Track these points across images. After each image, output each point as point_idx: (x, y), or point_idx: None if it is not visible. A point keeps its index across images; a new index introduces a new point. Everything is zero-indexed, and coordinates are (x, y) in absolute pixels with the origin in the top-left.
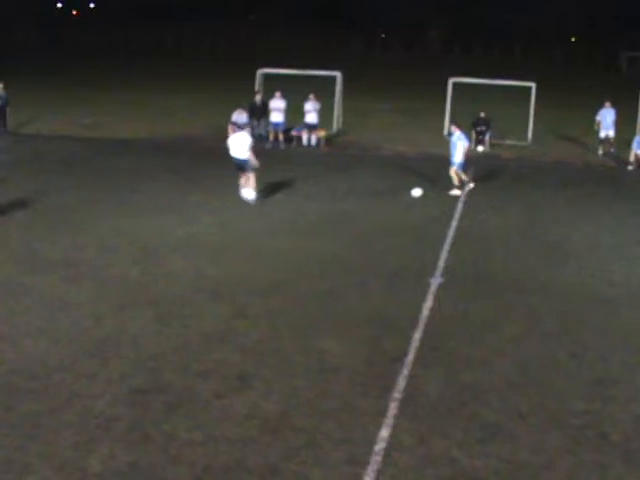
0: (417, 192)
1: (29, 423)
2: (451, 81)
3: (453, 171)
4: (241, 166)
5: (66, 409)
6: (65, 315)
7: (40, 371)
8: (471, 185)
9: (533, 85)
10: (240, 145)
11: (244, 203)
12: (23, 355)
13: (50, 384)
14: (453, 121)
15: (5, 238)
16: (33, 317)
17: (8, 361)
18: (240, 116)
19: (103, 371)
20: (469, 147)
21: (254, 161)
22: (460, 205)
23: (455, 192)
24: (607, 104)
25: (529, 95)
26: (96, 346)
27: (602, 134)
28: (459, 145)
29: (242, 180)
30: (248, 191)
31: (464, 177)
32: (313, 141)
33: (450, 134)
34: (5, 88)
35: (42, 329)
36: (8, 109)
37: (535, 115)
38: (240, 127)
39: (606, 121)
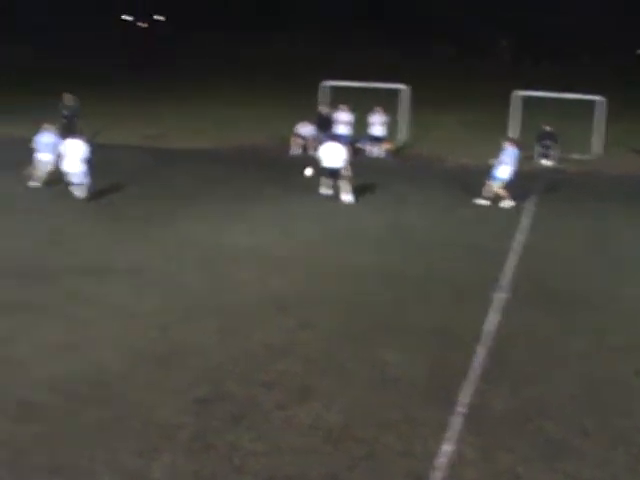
0: (308, 172)
1: (94, 430)
2: (516, 94)
3: (495, 186)
4: (334, 174)
5: (130, 417)
6: (131, 324)
7: (105, 379)
8: (511, 203)
9: (600, 99)
10: (335, 154)
11: (308, 214)
12: (89, 363)
13: (115, 392)
14: (508, 137)
15: (74, 247)
16: (99, 326)
17: (74, 369)
18: (304, 127)
19: (167, 380)
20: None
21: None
22: (525, 219)
23: (507, 203)
24: None
25: (597, 108)
26: (161, 355)
27: None
28: (506, 162)
29: (325, 186)
30: (346, 195)
31: (502, 192)
32: (379, 153)
33: (503, 149)
34: (74, 99)
35: (108, 338)
36: (77, 120)
37: (602, 128)
38: (304, 138)
39: None
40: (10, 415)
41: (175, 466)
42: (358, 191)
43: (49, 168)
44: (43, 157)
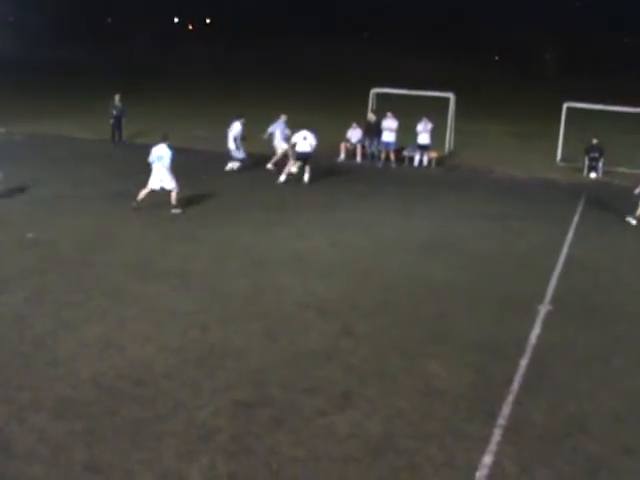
0: (293, 169)
1: (133, 429)
2: (565, 105)
3: None
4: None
5: (170, 417)
6: (173, 324)
7: (146, 378)
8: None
9: None
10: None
11: (356, 221)
12: (130, 361)
13: (155, 392)
14: None
15: (119, 246)
16: (142, 324)
17: (115, 366)
18: (354, 132)
19: (208, 382)
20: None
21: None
22: (572, 232)
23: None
24: None
25: None
26: (202, 356)
27: None
28: None
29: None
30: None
31: None
32: (424, 162)
33: None
34: (121, 100)
35: (150, 337)
36: (124, 120)
37: None
38: (353, 144)
39: None
40: (51, 411)
41: (213, 468)
42: (403, 200)
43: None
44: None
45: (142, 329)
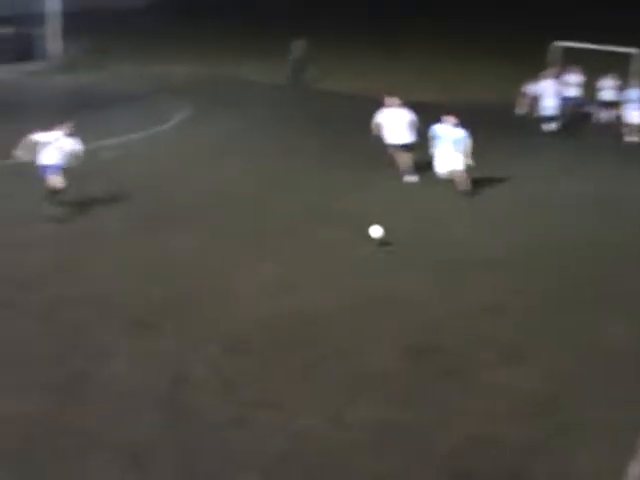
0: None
1: (302, 370)
2: None
3: None
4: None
5: (339, 360)
6: (347, 269)
7: (319, 321)
8: None
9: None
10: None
11: (532, 174)
12: (304, 304)
13: (326, 334)
14: None
15: (295, 189)
16: (317, 269)
17: (289, 308)
18: (533, 87)
19: (379, 327)
20: None
21: None
22: None
23: None
24: None
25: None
26: (375, 302)
27: None
28: None
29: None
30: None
31: None
32: (607, 118)
33: None
34: (303, 45)
35: (324, 281)
36: (306, 65)
37: None
38: (531, 98)
39: None
40: (224, 346)
41: (381, 414)
42: (581, 154)
43: None
44: None
45: (318, 272)
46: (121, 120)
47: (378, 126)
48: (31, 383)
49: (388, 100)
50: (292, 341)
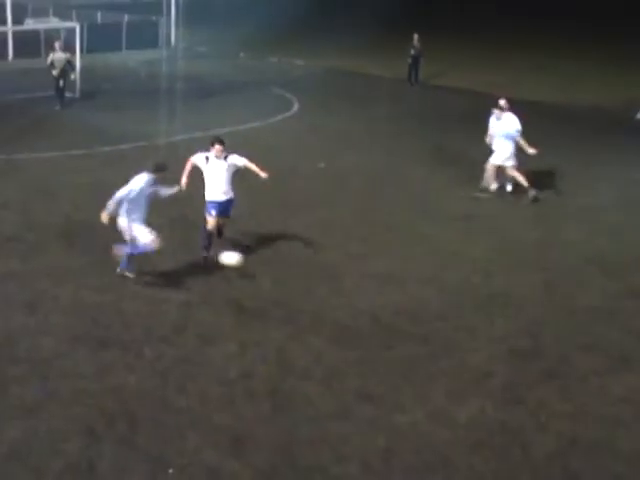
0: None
1: (406, 365)
2: None
3: None
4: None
5: (443, 358)
6: (455, 267)
7: (423, 316)
8: None
9: None
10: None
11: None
12: (409, 298)
13: (431, 331)
14: None
15: (407, 185)
16: (424, 265)
17: (394, 303)
18: None
19: (485, 327)
20: None
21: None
22: None
23: None
24: None
25: None
26: (482, 302)
27: None
28: None
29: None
30: None
31: None
32: None
33: None
34: (419, 40)
35: (431, 277)
36: (422, 60)
37: None
38: None
39: None
40: (328, 337)
41: (482, 413)
42: None
43: None
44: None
45: (424, 268)
46: (242, 109)
47: (491, 138)
48: (139, 363)
49: (501, 102)
50: (398, 336)
